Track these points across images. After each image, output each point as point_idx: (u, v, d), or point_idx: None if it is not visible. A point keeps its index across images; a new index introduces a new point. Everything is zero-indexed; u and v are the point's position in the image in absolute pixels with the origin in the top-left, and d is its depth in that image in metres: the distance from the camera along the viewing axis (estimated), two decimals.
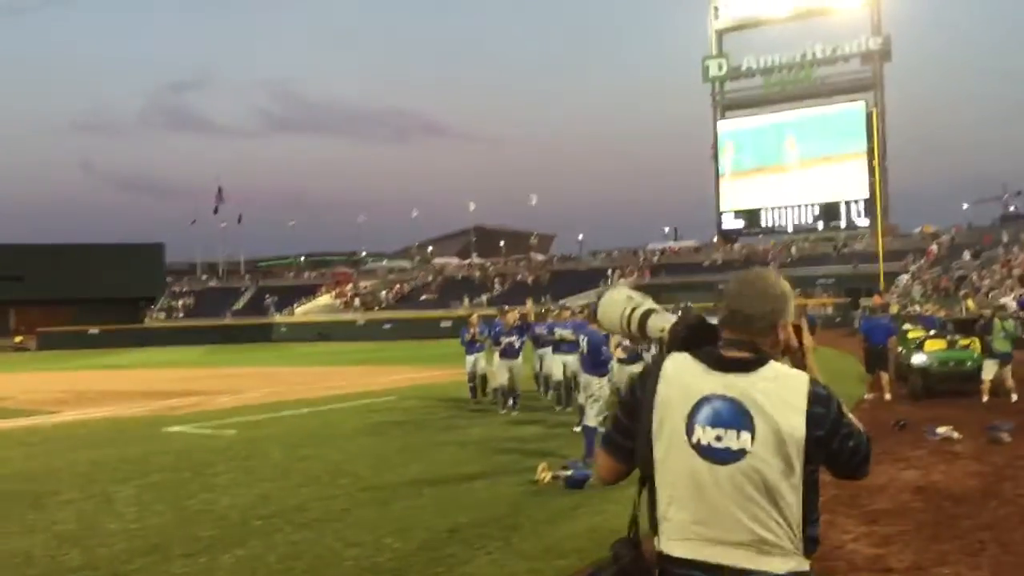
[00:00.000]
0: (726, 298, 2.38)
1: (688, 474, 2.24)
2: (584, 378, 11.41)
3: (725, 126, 73.04)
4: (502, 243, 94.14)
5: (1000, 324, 15.55)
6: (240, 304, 79.44)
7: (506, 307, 17.90)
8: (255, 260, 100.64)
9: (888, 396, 16.12)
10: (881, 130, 63.89)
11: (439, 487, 9.33)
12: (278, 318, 73.96)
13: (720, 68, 73.19)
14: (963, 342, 17.01)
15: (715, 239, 73.16)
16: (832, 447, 2.23)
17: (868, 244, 60.41)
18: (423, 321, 65.39)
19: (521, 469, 9.93)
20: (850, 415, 2.28)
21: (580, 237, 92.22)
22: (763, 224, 71.26)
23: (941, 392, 15.99)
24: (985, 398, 14.98)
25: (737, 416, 2.20)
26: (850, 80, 69.20)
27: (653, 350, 11.77)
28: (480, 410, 15.89)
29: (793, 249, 65.91)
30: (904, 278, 53.90)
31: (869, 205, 64.07)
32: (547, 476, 9.35)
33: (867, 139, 63.30)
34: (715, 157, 72.65)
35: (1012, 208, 74.29)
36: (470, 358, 16.92)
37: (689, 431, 2.24)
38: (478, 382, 17.02)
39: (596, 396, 10.93)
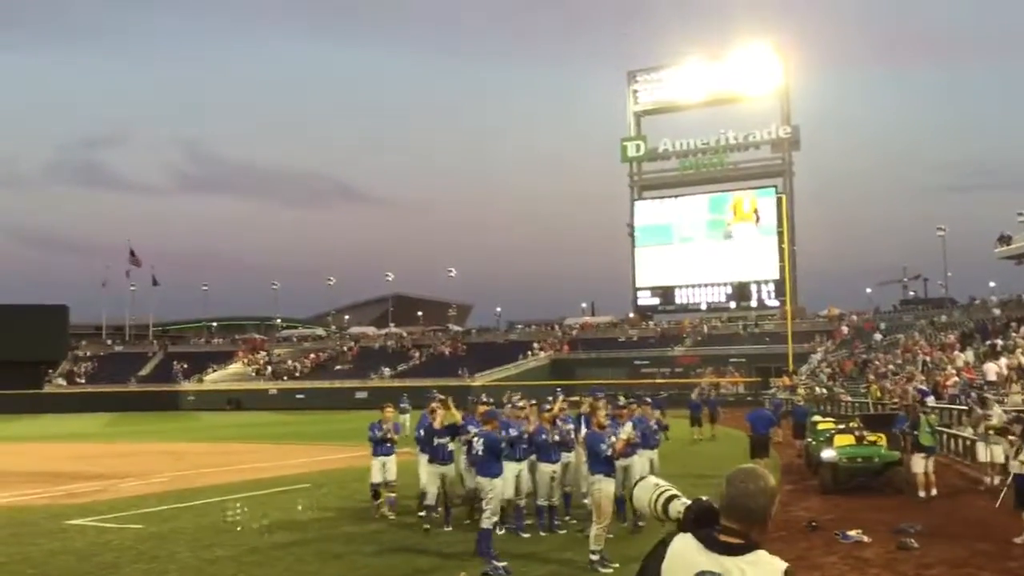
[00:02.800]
0: (729, 490, 2.80)
1: None
2: (478, 480, 11.34)
3: (642, 206, 74.87)
4: (420, 312, 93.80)
5: (925, 419, 16.28)
6: (146, 370, 77.04)
7: (439, 397, 13.78)
8: (164, 324, 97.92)
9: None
10: (790, 214, 66.40)
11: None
12: (186, 386, 71.92)
13: (638, 149, 75.31)
14: (871, 437, 17.56)
15: (631, 315, 74.32)
16: None
17: (778, 325, 62.17)
18: (337, 391, 64.47)
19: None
20: None
21: (498, 309, 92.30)
22: (677, 301, 72.78)
23: (852, 487, 16.42)
24: (921, 493, 15.49)
25: None
26: (761, 166, 71.99)
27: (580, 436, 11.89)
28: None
29: (704, 327, 67.43)
30: (815, 358, 55.50)
31: (779, 286, 66.16)
32: None
33: (777, 223, 65.67)
34: (631, 235, 74.23)
35: (912, 292, 77.53)
36: (377, 462, 14.01)
37: None
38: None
39: (490, 497, 10.94)
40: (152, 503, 16.19)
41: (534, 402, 14.73)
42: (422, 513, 12.96)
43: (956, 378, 32.39)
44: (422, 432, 13.09)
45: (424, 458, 13.08)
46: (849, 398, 38.16)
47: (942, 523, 12.78)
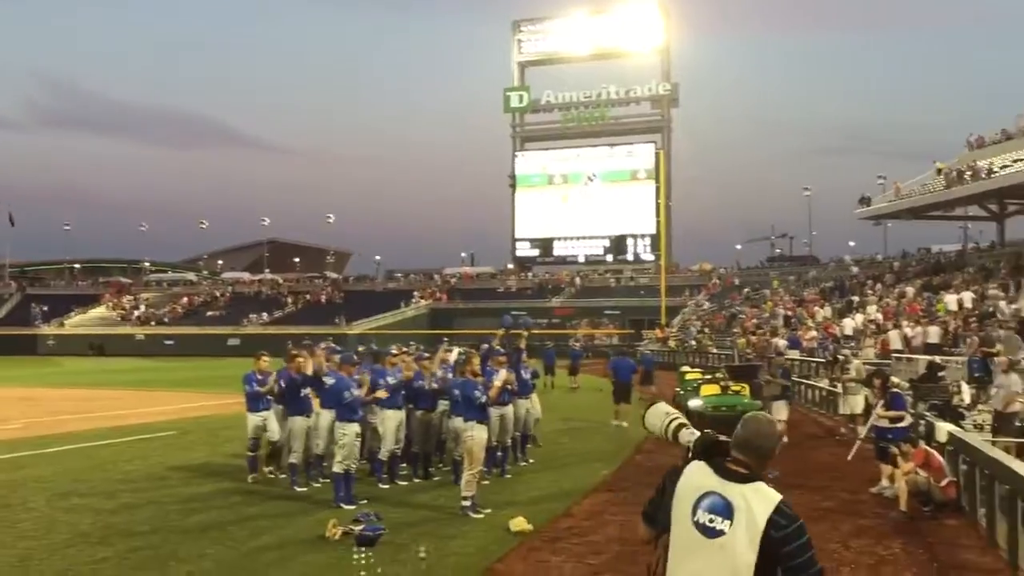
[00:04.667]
0: (744, 430, 3.36)
1: (687, 543, 3.29)
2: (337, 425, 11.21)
3: (523, 158, 75.00)
4: (297, 259, 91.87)
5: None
6: (2, 312, 73.00)
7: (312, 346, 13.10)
8: (22, 264, 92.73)
9: (625, 424, 18.36)
10: (667, 171, 67.80)
11: (224, 547, 8.88)
12: (46, 329, 68.61)
13: (521, 100, 75.20)
14: (735, 387, 18.26)
15: (510, 266, 74.81)
16: (783, 550, 3.14)
17: (652, 278, 63.75)
18: (209, 338, 62.71)
19: (312, 523, 9.65)
20: (814, 548, 3.18)
21: (378, 258, 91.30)
22: (556, 254, 73.60)
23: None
24: (784, 439, 16.13)
25: (726, 509, 3.22)
26: (641, 122, 73.10)
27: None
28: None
29: (577, 280, 68.54)
30: (686, 311, 57.23)
31: (654, 241, 67.71)
32: (337, 532, 9.13)
33: (655, 178, 67.00)
34: (512, 187, 74.40)
35: (778, 250, 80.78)
36: (255, 417, 12.48)
37: (693, 513, 3.28)
38: (262, 453, 12.76)
39: (342, 443, 10.91)
40: (5, 449, 15.38)
41: (409, 349, 14.63)
42: (273, 470, 12.55)
43: (815, 332, 34.02)
44: (283, 384, 12.09)
45: (281, 411, 12.36)
46: (716, 350, 39.57)
47: (800, 469, 13.38)
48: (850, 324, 32.62)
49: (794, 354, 29.45)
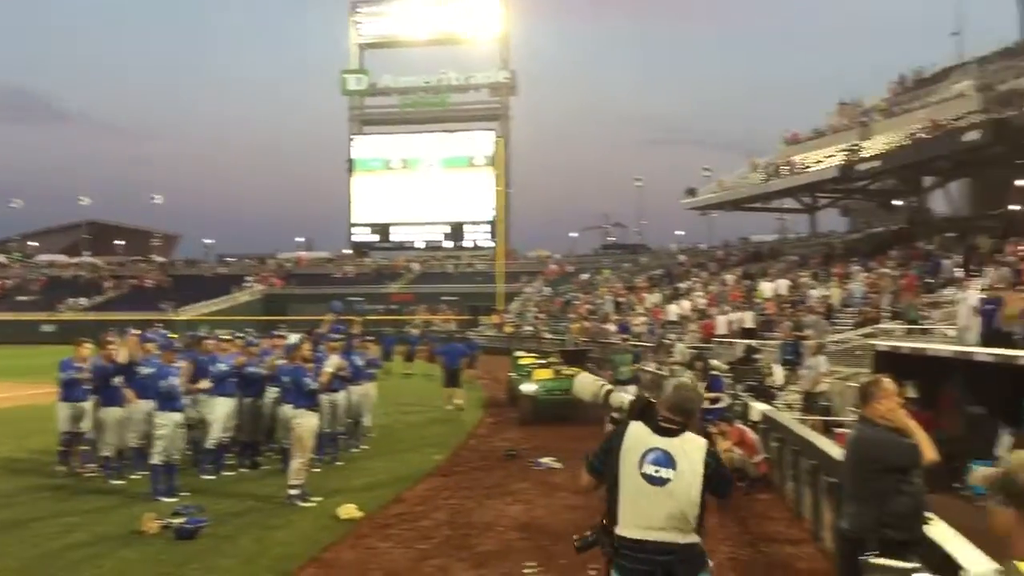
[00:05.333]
0: (675, 395, 4.25)
1: (636, 490, 4.07)
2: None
3: (361, 141, 73.90)
4: (120, 241, 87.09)
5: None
6: None
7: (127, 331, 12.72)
8: None
9: (461, 403, 19.58)
10: (506, 158, 68.50)
11: (30, 545, 8.31)
12: None
13: (359, 83, 73.97)
14: (568, 371, 18.66)
15: (346, 252, 73.68)
16: (714, 481, 4.11)
17: (489, 265, 64.34)
18: (21, 324, 58.66)
19: (128, 518, 9.18)
20: (726, 466, 4.29)
21: (208, 241, 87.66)
22: (394, 239, 73.02)
23: (549, 419, 17.25)
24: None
25: (668, 460, 4.07)
26: (481, 109, 73.38)
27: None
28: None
29: (416, 265, 68.38)
30: (523, 298, 58.09)
31: (493, 227, 68.28)
32: (155, 526, 8.73)
33: (494, 166, 67.52)
34: (349, 171, 73.23)
35: (612, 239, 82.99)
36: (69, 407, 11.60)
37: (640, 466, 4.07)
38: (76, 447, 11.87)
39: (160, 433, 10.53)
40: None
41: (240, 336, 14.14)
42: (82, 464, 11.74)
43: (644, 318, 35.30)
44: (92, 372, 11.43)
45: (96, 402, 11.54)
46: (551, 336, 40.40)
47: None
48: (675, 310, 34.01)
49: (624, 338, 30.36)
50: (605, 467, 4.17)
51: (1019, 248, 22.66)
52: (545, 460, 12.94)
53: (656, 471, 4.02)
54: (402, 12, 73.37)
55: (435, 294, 61.87)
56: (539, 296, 57.47)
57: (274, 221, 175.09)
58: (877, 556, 4.65)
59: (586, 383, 4.59)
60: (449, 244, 71.89)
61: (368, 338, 17.27)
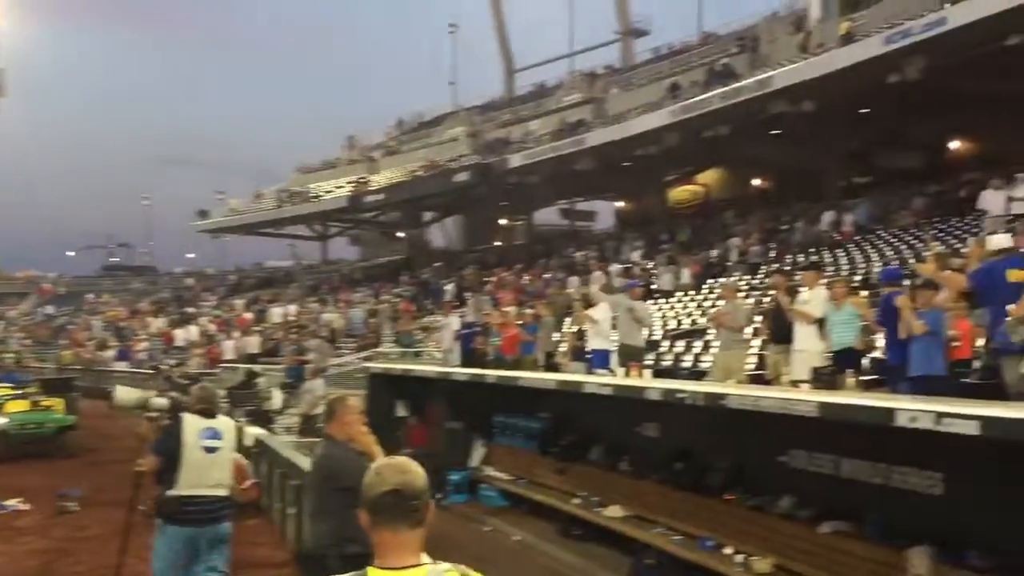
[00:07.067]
0: (200, 393, 6.25)
1: (198, 459, 5.77)
2: None
3: None
4: None
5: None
6: None
7: None
8: None
9: None
10: None
11: None
12: None
13: None
14: (46, 402, 16.88)
15: None
16: (239, 439, 6.43)
17: None
18: None
19: None
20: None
21: None
22: None
23: (22, 455, 15.40)
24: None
25: (217, 434, 5.92)
26: None
27: None
28: None
29: None
30: (8, 319, 51.64)
31: None
32: None
33: None
34: None
35: (115, 259, 77.15)
36: None
37: (199, 441, 5.78)
38: None
39: None
40: None
41: None
42: None
43: (147, 343, 33.42)
44: None
45: None
46: (38, 364, 36.34)
47: (107, 485, 12.80)
48: (182, 335, 32.70)
49: (123, 366, 28.51)
50: (168, 451, 5.76)
51: (500, 278, 25.59)
52: (11, 502, 11.48)
53: (211, 444, 5.82)
54: None
55: None
56: (25, 320, 51.48)
57: None
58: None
59: (130, 392, 6.67)
60: None
61: None
